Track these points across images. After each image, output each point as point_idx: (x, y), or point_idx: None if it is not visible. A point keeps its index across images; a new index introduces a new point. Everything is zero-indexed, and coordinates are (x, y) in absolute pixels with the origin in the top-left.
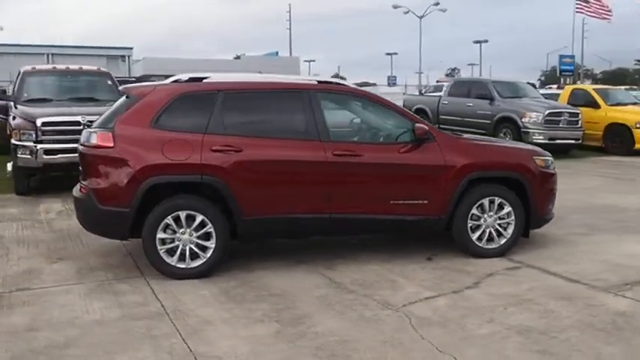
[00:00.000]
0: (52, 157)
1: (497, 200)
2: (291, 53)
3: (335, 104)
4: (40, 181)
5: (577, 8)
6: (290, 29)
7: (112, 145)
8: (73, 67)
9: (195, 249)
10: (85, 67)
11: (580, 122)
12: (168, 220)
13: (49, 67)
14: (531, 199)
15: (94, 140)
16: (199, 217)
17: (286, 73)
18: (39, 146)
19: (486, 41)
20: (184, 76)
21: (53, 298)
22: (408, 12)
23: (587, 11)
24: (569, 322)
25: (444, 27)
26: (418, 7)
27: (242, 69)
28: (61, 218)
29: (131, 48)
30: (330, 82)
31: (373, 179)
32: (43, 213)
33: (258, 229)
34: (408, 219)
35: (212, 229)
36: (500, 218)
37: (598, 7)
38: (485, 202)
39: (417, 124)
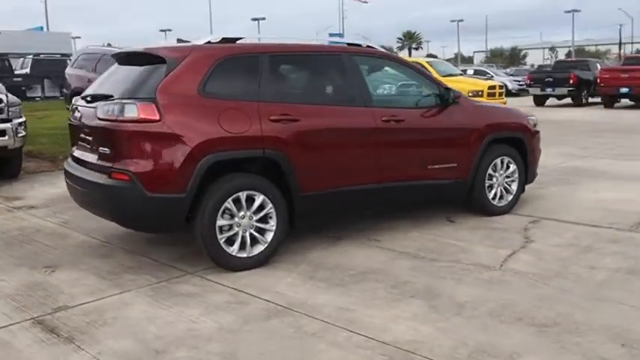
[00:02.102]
0: None
1: (506, 159)
2: (48, 28)
3: (370, 68)
4: None
5: None
6: (45, 2)
7: (157, 117)
8: None
9: (256, 234)
10: None
11: None
12: (228, 203)
13: None
14: (529, 157)
15: (134, 113)
16: (259, 198)
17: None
18: None
19: (264, 18)
20: (216, 37)
21: (119, 312)
22: None
23: None
24: None
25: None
26: None
27: (6, 45)
28: None
29: None
30: (360, 45)
31: (414, 145)
32: None
33: (315, 205)
34: (444, 183)
35: (272, 210)
36: (507, 177)
37: None
38: (498, 161)
39: (449, 87)
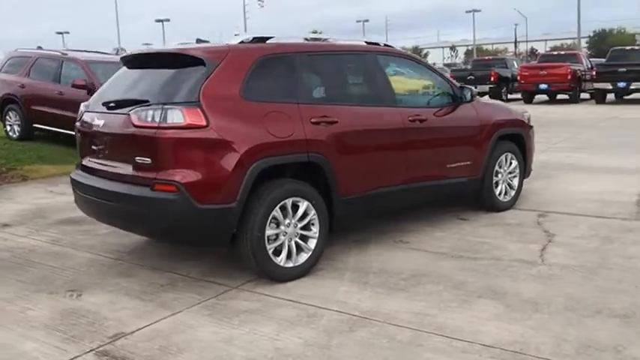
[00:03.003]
0: None
1: (509, 155)
2: None
3: (391, 67)
4: None
5: None
6: None
7: (204, 123)
8: None
9: (300, 242)
10: None
11: None
12: (276, 211)
13: None
14: (527, 152)
15: (179, 119)
16: (304, 204)
17: None
18: None
19: (168, 20)
20: (247, 36)
21: (187, 335)
22: None
23: None
24: None
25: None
26: None
27: None
28: None
29: None
30: (378, 44)
31: (436, 144)
32: None
33: (354, 209)
34: (460, 181)
35: (315, 216)
36: (510, 172)
37: None
38: (503, 158)
39: (464, 86)
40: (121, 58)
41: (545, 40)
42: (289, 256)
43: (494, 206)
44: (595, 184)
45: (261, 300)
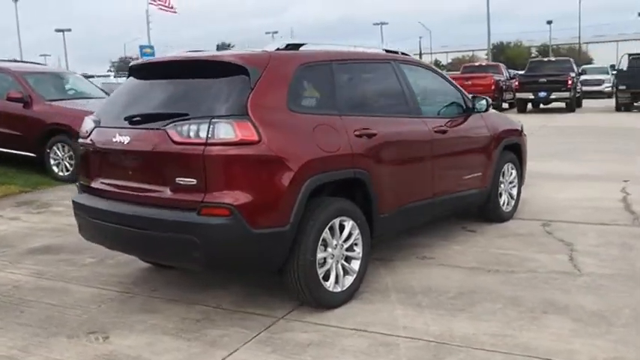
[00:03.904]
0: None
1: (510, 165)
2: None
3: (414, 76)
4: None
5: (150, 1)
6: None
7: (256, 138)
8: None
9: (345, 264)
10: None
11: None
12: (326, 232)
13: None
14: (523, 162)
15: (230, 134)
16: (349, 224)
17: None
18: None
19: (70, 30)
20: (281, 43)
21: None
22: None
23: (158, 3)
24: None
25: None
26: None
27: None
28: None
29: None
30: (396, 52)
31: (455, 155)
32: None
33: (388, 227)
34: (473, 193)
35: (359, 236)
36: (510, 182)
37: (164, 3)
38: (505, 168)
39: (477, 95)
40: (131, 67)
41: (447, 52)
42: (336, 280)
43: (499, 217)
44: (574, 192)
45: (320, 330)
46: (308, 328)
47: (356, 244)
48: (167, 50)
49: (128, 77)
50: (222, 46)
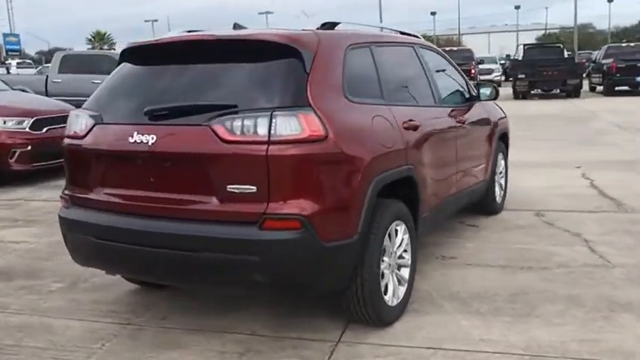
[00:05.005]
0: None
1: (501, 155)
2: None
3: (429, 61)
4: None
5: None
6: None
7: (322, 133)
8: None
9: (400, 273)
10: None
11: None
12: (386, 240)
13: None
14: (508, 151)
15: (296, 129)
16: (401, 228)
17: None
18: None
19: None
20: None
21: None
22: None
23: None
24: None
25: None
26: None
27: None
28: None
29: None
30: (417, 36)
31: (471, 146)
32: None
33: (426, 227)
34: (480, 185)
35: (409, 241)
36: (500, 173)
37: None
38: (499, 158)
39: (480, 83)
40: (131, 50)
41: None
42: (393, 292)
43: (494, 209)
44: (538, 180)
45: (394, 353)
46: (380, 352)
47: (405, 251)
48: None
49: (128, 61)
50: (238, 26)
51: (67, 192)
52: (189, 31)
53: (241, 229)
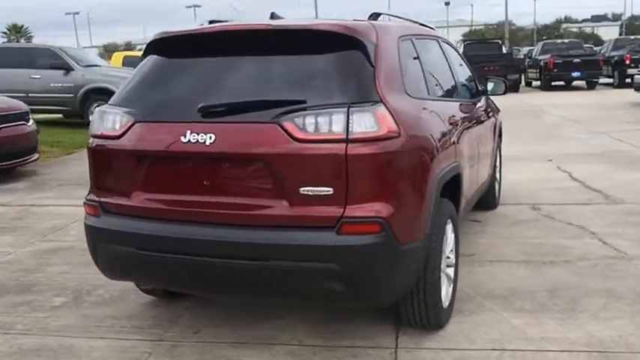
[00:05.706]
0: None
1: (498, 149)
2: None
3: (448, 55)
4: None
5: None
6: None
7: (396, 129)
8: None
9: (449, 273)
10: None
11: None
12: (443, 240)
13: None
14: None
15: (372, 126)
16: (449, 227)
17: None
18: None
19: None
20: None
21: None
22: None
23: None
24: None
25: None
26: None
27: None
28: None
29: None
30: (432, 28)
31: (485, 142)
32: None
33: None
34: (487, 182)
35: (454, 239)
36: (496, 167)
37: None
38: (497, 152)
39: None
40: (164, 40)
41: None
42: (445, 293)
43: (493, 204)
44: (518, 174)
45: (460, 358)
46: (444, 357)
47: (451, 250)
48: None
49: (159, 54)
50: (275, 16)
51: (95, 198)
52: (212, 22)
53: (317, 234)
